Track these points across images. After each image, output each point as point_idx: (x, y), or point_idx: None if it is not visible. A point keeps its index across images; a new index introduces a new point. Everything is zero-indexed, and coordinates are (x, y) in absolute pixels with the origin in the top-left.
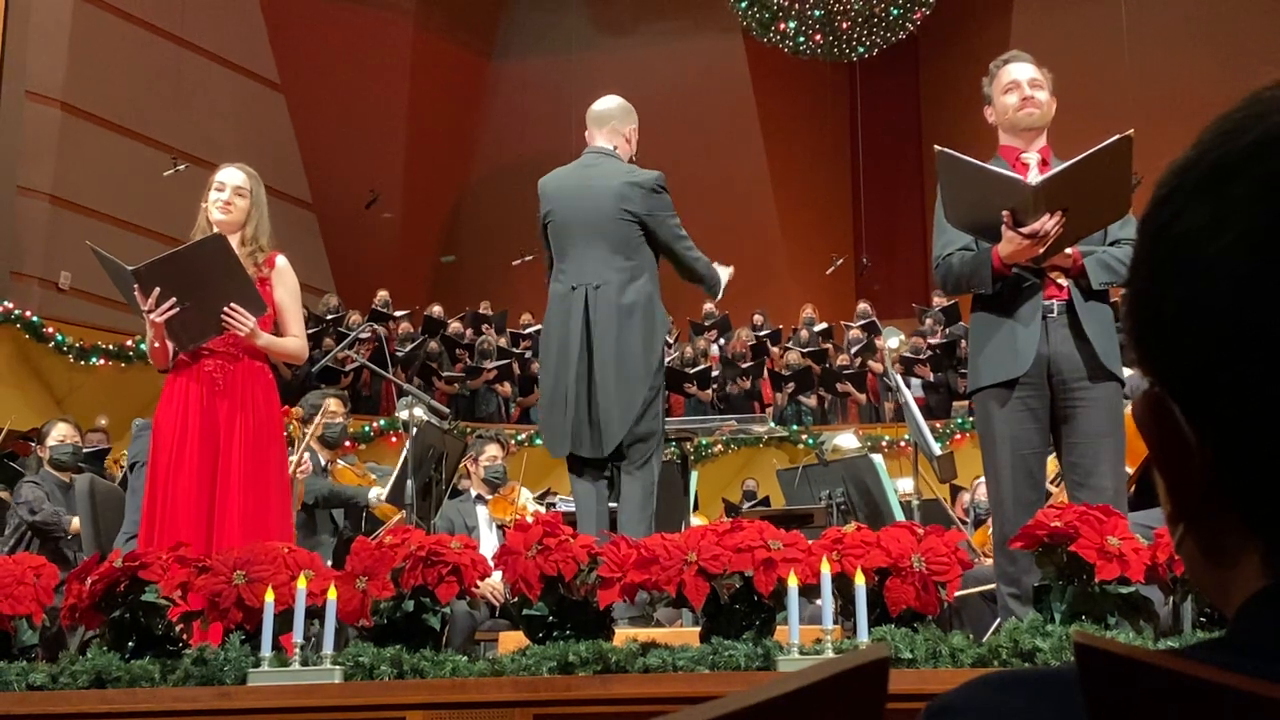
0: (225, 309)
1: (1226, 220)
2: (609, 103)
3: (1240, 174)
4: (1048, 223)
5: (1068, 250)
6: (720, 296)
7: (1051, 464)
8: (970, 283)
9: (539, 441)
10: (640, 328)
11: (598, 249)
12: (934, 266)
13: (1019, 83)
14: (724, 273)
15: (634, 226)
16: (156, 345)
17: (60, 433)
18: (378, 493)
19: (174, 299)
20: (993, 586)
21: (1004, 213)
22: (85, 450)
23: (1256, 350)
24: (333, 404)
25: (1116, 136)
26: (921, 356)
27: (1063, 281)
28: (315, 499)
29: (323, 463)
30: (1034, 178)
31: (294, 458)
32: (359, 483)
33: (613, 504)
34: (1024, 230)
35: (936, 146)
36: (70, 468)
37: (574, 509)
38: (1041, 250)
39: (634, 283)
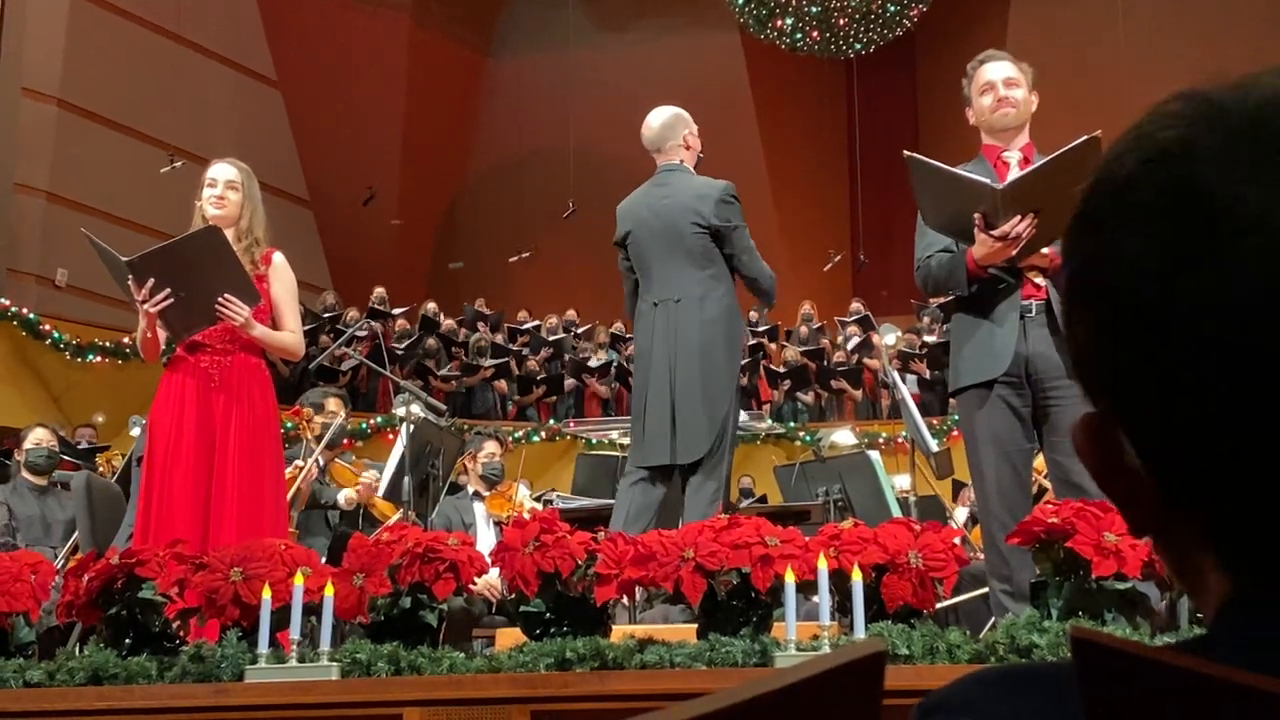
0: (219, 299)
1: (1123, 248)
2: (654, 123)
3: (1122, 199)
4: (1019, 225)
5: (1044, 250)
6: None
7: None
8: (947, 285)
9: (536, 439)
10: (722, 340)
11: (676, 264)
12: (915, 269)
13: (994, 83)
14: None
15: (707, 237)
16: (149, 336)
17: (36, 437)
18: (347, 493)
19: (168, 290)
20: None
21: (975, 215)
22: (81, 447)
23: (1162, 381)
24: (333, 404)
25: (1084, 138)
26: (919, 352)
27: (1040, 281)
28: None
29: (321, 463)
30: (1011, 176)
31: (299, 462)
32: (355, 480)
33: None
34: (995, 233)
35: (906, 152)
36: (45, 471)
37: (571, 505)
38: (1014, 252)
39: (712, 294)
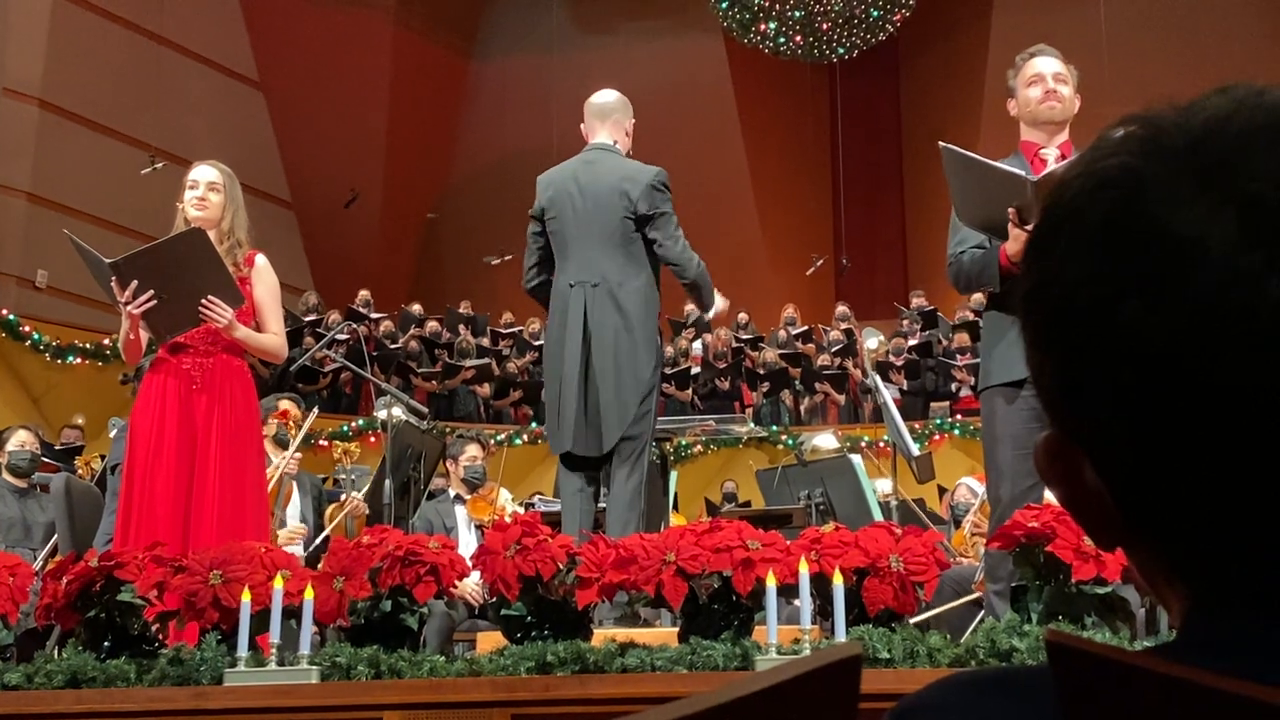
0: (203, 301)
1: (1069, 272)
2: (609, 96)
3: (1068, 225)
4: None
5: None
6: (709, 316)
7: None
8: (979, 281)
9: (518, 441)
10: (639, 326)
11: (597, 247)
12: (947, 265)
13: (1043, 75)
14: (719, 301)
15: (631, 223)
16: (131, 337)
17: (19, 439)
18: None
19: (151, 291)
20: (976, 596)
21: (1009, 210)
22: (58, 448)
23: (1110, 401)
24: (284, 403)
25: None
26: (899, 363)
27: None
28: None
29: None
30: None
31: (279, 460)
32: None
33: (601, 504)
34: (1029, 227)
35: (941, 143)
36: (26, 474)
37: (555, 509)
38: None
39: (631, 281)
